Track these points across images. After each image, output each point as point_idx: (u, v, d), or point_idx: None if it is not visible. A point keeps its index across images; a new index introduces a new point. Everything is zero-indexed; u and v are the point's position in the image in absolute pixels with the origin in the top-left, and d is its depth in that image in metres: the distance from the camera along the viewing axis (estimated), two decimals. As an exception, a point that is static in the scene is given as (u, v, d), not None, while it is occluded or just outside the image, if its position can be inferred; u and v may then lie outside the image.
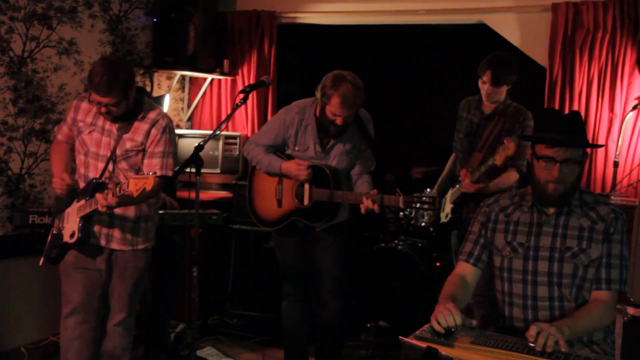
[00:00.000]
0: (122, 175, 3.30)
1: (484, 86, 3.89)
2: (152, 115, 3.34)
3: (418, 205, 3.22)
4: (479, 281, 2.84)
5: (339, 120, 3.49)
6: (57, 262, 3.39)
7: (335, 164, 3.62)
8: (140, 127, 3.33)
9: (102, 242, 3.35)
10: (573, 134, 2.43)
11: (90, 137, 3.34)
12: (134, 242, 3.39)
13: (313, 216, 3.61)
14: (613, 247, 2.51)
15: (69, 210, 3.34)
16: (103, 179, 3.26)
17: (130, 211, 3.35)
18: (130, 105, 3.27)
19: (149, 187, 2.86)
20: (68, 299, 3.39)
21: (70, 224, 3.30)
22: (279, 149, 3.75)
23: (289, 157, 3.70)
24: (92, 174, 3.34)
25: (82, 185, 3.37)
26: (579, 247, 2.52)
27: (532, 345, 2.21)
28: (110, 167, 3.29)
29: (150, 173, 2.90)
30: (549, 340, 2.20)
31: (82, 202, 3.26)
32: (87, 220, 3.26)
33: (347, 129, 3.58)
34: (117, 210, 3.30)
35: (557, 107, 4.59)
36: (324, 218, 3.58)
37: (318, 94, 3.50)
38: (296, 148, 3.68)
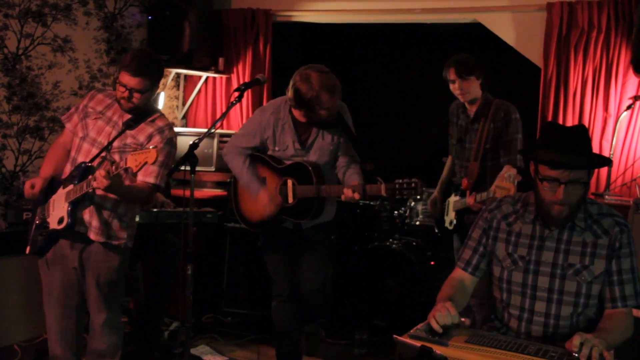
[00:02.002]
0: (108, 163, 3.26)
1: (454, 87, 3.89)
2: (160, 123, 3.35)
3: (401, 191, 3.17)
4: (481, 283, 2.83)
5: (319, 117, 3.46)
6: (45, 253, 3.36)
7: (316, 159, 3.59)
8: (145, 129, 3.32)
9: (81, 230, 3.30)
10: (578, 154, 2.35)
11: (94, 123, 3.34)
12: (109, 236, 3.34)
13: (299, 214, 3.59)
14: (623, 263, 2.46)
15: (54, 197, 3.31)
16: (94, 163, 3.24)
17: (109, 202, 3.30)
18: (149, 101, 3.29)
19: (151, 160, 2.82)
20: (48, 294, 3.40)
21: (58, 210, 3.26)
22: (260, 150, 3.72)
23: (271, 158, 3.67)
24: (82, 158, 3.31)
25: (68, 168, 3.34)
26: (581, 264, 2.47)
27: (575, 355, 2.15)
28: (103, 155, 3.27)
29: (151, 147, 2.87)
30: (593, 351, 2.14)
31: (70, 187, 3.22)
32: (75, 205, 3.22)
33: (329, 123, 3.55)
34: (97, 199, 3.26)
35: (551, 107, 4.60)
36: (309, 214, 3.55)
37: (289, 94, 3.46)
38: (276, 148, 3.64)
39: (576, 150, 2.35)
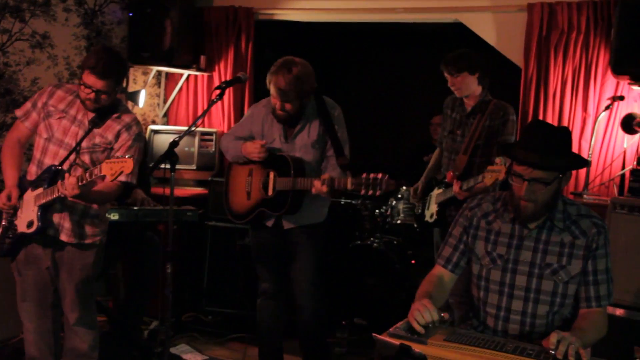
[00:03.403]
0: (81, 170, 3.22)
1: (451, 83, 3.91)
2: (126, 118, 3.30)
3: (367, 185, 3.16)
4: (459, 282, 2.83)
5: (277, 105, 3.51)
6: (11, 255, 3.32)
7: (302, 155, 3.60)
8: (112, 126, 3.28)
9: (51, 232, 3.27)
10: (547, 155, 2.37)
11: (58, 123, 3.28)
12: (81, 236, 3.31)
13: (277, 207, 3.59)
14: (598, 263, 2.49)
15: (22, 199, 3.27)
16: (64, 166, 3.19)
17: (80, 203, 3.26)
18: (113, 99, 3.23)
19: (127, 170, 2.80)
20: (22, 295, 3.36)
21: (27, 213, 3.23)
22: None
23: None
24: (50, 160, 3.26)
25: (34, 170, 3.29)
26: (558, 264, 2.49)
27: (552, 352, 2.17)
28: (72, 157, 3.23)
29: (127, 156, 2.85)
30: (569, 349, 2.16)
31: (40, 190, 3.19)
32: (45, 209, 3.19)
33: (296, 117, 3.56)
34: (68, 201, 3.21)
35: (531, 106, 4.62)
36: (284, 208, 3.54)
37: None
38: (264, 142, 3.67)
39: (545, 150, 2.37)
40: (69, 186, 2.96)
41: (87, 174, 2.94)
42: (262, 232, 3.75)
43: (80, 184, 2.96)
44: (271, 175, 3.60)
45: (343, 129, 3.63)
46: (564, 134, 2.47)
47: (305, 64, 3.51)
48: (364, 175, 3.18)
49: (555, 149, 2.39)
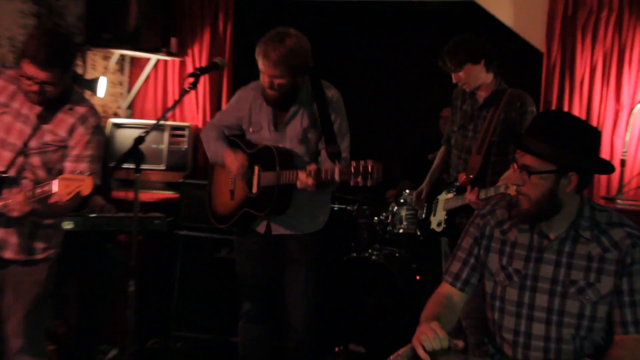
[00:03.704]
0: (29, 173, 3.16)
1: (455, 79, 3.92)
2: (80, 109, 3.22)
3: (357, 175, 3.13)
4: (473, 301, 2.83)
5: (266, 83, 3.50)
6: None
7: (293, 147, 3.60)
8: (64, 120, 3.20)
9: None
10: (543, 142, 2.39)
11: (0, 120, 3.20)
12: (31, 251, 3.25)
13: (262, 206, 3.58)
14: (635, 281, 2.43)
15: None
16: (11, 173, 3.12)
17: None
18: (64, 88, 3.16)
19: (85, 191, 2.78)
20: None
21: None
22: (239, 130, 3.77)
23: (246, 143, 3.70)
24: None
25: None
26: (585, 281, 2.46)
27: None
28: (19, 160, 3.15)
29: (86, 173, 2.81)
30: None
31: None
32: None
33: (288, 99, 3.57)
34: None
35: (554, 97, 4.63)
36: (269, 207, 3.53)
37: None
38: (250, 129, 3.69)
39: (543, 137, 2.39)
40: (15, 205, 2.92)
41: (37, 190, 2.90)
42: (250, 240, 3.74)
43: (29, 201, 2.92)
44: (256, 170, 3.61)
45: (342, 117, 3.62)
46: (580, 128, 2.45)
47: (301, 36, 3.51)
48: (354, 163, 3.15)
49: (559, 140, 2.38)
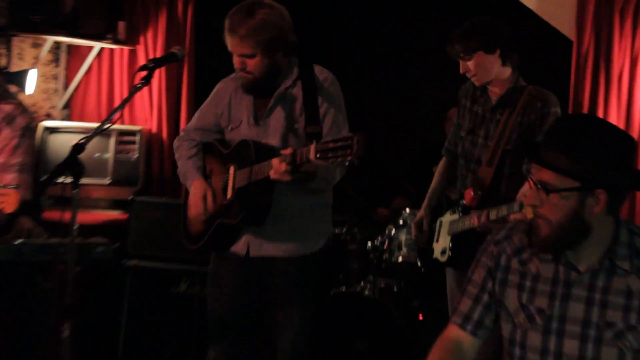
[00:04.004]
0: None
1: (463, 69, 3.91)
2: (6, 107, 3.24)
3: (335, 152, 3.07)
4: (486, 347, 2.81)
5: (237, 63, 3.54)
6: None
7: (277, 143, 3.59)
8: None
9: None
10: (562, 151, 2.38)
11: None
12: None
13: (236, 212, 3.57)
14: None
15: None
16: None
17: None
18: None
19: (9, 209, 2.74)
20: None
21: None
22: (219, 131, 3.79)
23: (222, 143, 3.74)
24: None
25: None
26: (625, 323, 2.42)
27: None
28: None
29: (10, 187, 2.77)
30: None
31: None
32: None
33: (267, 83, 3.59)
34: None
35: (586, 95, 4.66)
36: (242, 213, 3.51)
37: None
38: (229, 127, 3.72)
39: (563, 147, 2.38)
40: None
41: None
42: (227, 267, 3.72)
43: None
44: (231, 170, 3.61)
45: (335, 107, 3.61)
46: (608, 134, 2.41)
47: (276, 7, 3.54)
48: (332, 140, 3.09)
49: (582, 150, 2.37)
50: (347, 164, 3.24)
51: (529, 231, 2.50)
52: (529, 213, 3.20)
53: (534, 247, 2.51)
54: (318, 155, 3.09)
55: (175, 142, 3.89)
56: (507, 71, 3.89)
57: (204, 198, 3.64)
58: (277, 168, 3.25)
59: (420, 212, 4.29)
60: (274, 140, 3.57)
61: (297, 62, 3.64)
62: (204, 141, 3.81)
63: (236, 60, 3.54)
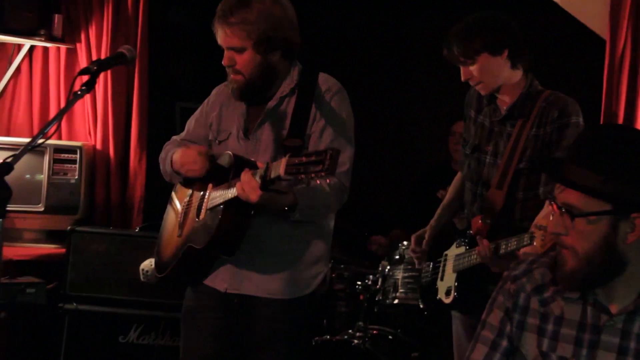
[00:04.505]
0: None
1: (465, 76, 3.91)
2: None
3: (306, 168, 3.09)
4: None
5: (225, 59, 3.59)
6: None
7: (270, 159, 3.54)
8: None
9: None
10: (591, 167, 2.37)
11: None
12: None
13: (204, 235, 3.60)
14: None
15: None
16: None
17: None
18: None
19: None
20: None
21: None
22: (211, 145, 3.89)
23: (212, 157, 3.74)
24: None
25: None
26: None
27: None
28: None
29: None
30: None
31: None
32: None
33: (259, 87, 3.62)
34: None
35: (622, 104, 4.71)
36: (209, 236, 3.50)
37: None
38: (217, 140, 3.77)
39: (589, 159, 2.38)
40: None
41: None
42: (204, 301, 3.74)
43: None
44: (208, 188, 3.64)
45: (337, 125, 3.62)
46: (631, 136, 2.46)
47: (281, 1, 3.58)
48: (305, 152, 3.13)
49: (614, 167, 2.36)
50: (317, 181, 3.21)
51: (553, 265, 2.52)
52: (538, 245, 3.21)
53: (559, 284, 2.51)
54: (287, 171, 3.11)
55: (162, 150, 3.90)
56: (518, 74, 3.90)
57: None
58: (244, 180, 3.27)
59: (427, 227, 4.31)
60: (264, 158, 3.57)
61: (300, 68, 3.69)
62: None
63: (225, 56, 3.59)
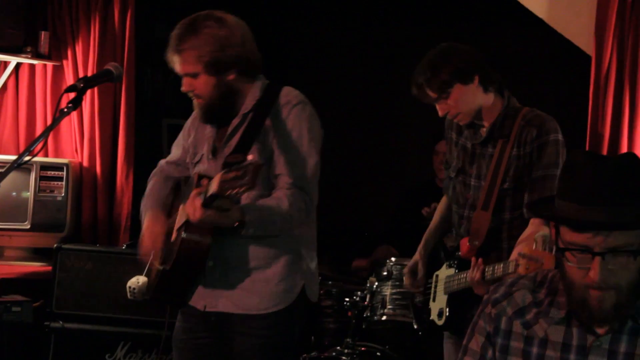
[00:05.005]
0: None
1: (443, 111, 3.92)
2: None
3: (233, 184, 3.15)
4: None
5: (183, 85, 3.62)
6: None
7: None
8: None
9: None
10: (619, 204, 2.33)
11: None
12: None
13: (170, 255, 3.62)
14: None
15: None
16: None
17: None
18: None
19: None
20: None
21: None
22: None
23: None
24: None
25: None
26: None
27: None
28: None
29: None
30: None
31: None
32: None
33: (220, 109, 3.65)
34: None
35: (607, 123, 4.68)
36: (173, 258, 3.52)
37: None
38: (193, 162, 3.80)
39: (616, 197, 2.33)
40: None
41: None
42: (187, 322, 3.76)
43: None
44: (180, 209, 3.67)
45: (295, 141, 3.62)
46: (635, 162, 2.40)
47: (228, 21, 3.59)
48: (236, 166, 3.17)
49: (633, 191, 2.33)
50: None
51: (583, 309, 2.42)
52: (522, 270, 3.19)
53: (592, 323, 2.45)
54: (221, 187, 3.17)
55: (147, 187, 3.92)
56: (491, 97, 3.91)
57: (148, 230, 3.68)
58: (189, 202, 3.34)
59: (415, 256, 4.29)
60: None
61: (265, 83, 3.71)
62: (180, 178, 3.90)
63: (183, 83, 3.62)
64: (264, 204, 3.50)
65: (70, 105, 3.27)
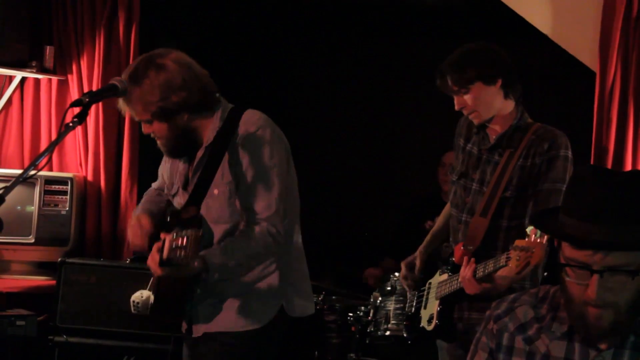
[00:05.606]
0: None
1: (459, 105, 3.93)
2: None
3: (175, 252, 3.19)
4: None
5: (142, 128, 3.68)
6: None
7: (206, 213, 3.64)
8: None
9: None
10: (621, 222, 2.32)
11: None
12: None
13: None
14: None
15: None
16: None
17: None
18: None
19: None
20: None
21: None
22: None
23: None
24: None
25: None
26: None
27: None
28: None
29: None
30: None
31: None
32: None
33: (185, 146, 3.67)
34: None
35: (612, 139, 4.67)
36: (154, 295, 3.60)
37: None
38: (171, 194, 3.82)
39: (618, 215, 2.32)
40: None
41: None
42: (185, 346, 3.85)
43: None
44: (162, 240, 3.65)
45: (257, 169, 3.61)
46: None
47: (168, 66, 3.57)
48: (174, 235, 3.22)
49: (635, 211, 2.33)
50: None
51: (581, 325, 2.43)
52: (514, 266, 3.18)
53: (593, 340, 2.45)
54: (169, 256, 3.22)
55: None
56: (510, 105, 3.92)
57: (130, 228, 3.74)
58: (150, 257, 3.39)
59: (415, 253, 4.30)
60: (204, 212, 3.62)
61: (226, 110, 3.71)
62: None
63: (142, 127, 3.67)
64: (227, 247, 3.52)
65: (75, 119, 3.26)
